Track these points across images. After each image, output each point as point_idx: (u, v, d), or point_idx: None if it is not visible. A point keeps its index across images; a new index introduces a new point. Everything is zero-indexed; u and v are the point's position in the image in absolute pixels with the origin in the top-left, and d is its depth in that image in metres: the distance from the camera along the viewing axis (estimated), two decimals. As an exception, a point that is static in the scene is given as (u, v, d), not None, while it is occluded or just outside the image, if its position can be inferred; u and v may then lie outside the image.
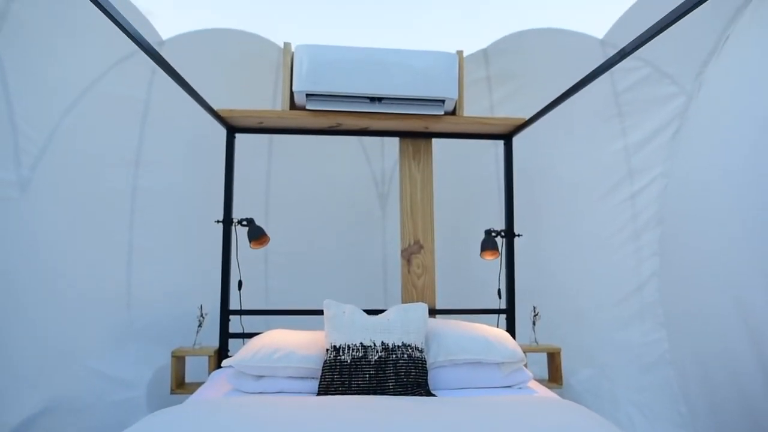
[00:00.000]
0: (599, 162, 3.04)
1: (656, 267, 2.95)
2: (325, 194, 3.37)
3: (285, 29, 3.06)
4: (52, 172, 2.50)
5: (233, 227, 2.64)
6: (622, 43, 2.68)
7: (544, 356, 2.80)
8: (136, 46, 1.59)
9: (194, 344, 2.61)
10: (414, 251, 2.68)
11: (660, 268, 2.93)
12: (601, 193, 3.06)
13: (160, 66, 1.73)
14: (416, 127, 2.62)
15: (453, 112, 2.56)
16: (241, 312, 2.63)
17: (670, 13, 1.37)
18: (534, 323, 2.78)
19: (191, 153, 2.98)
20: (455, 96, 2.40)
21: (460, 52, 2.53)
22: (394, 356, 1.95)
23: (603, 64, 1.73)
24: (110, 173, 2.77)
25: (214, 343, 2.60)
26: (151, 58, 1.66)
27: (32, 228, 2.47)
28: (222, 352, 2.55)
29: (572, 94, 1.99)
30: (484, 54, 3.04)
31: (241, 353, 2.01)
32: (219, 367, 2.45)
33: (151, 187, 2.88)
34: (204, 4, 2.99)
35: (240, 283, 2.65)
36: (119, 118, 2.77)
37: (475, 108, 3.06)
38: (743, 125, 2.28)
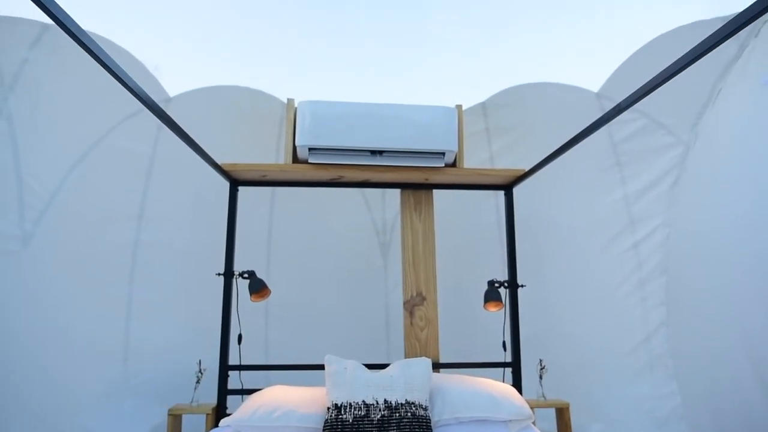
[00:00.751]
0: (600, 211, 3.05)
1: (664, 317, 2.90)
2: (327, 244, 3.36)
3: (289, 85, 3.17)
4: (55, 227, 2.52)
5: (234, 280, 2.62)
6: (617, 95, 2.76)
7: (552, 410, 2.70)
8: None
9: (192, 401, 2.54)
10: (416, 303, 2.64)
11: (668, 318, 2.89)
12: (603, 242, 3.05)
13: (164, 123, 1.77)
14: (417, 178, 2.64)
15: (453, 164, 2.59)
16: (240, 367, 2.56)
17: (663, 71, 1.41)
18: (541, 377, 2.70)
19: (194, 206, 3.00)
20: (455, 148, 2.44)
21: (459, 107, 2.59)
22: (397, 415, 1.89)
23: (600, 118, 1.77)
24: (113, 227, 2.78)
25: (213, 399, 2.53)
26: (156, 115, 1.70)
27: (32, 282, 2.46)
28: (220, 410, 2.47)
29: (570, 147, 2.02)
30: (483, 107, 3.11)
31: (240, 412, 1.95)
32: (217, 425, 2.37)
33: (153, 241, 2.88)
34: (210, 58, 3.10)
35: (240, 337, 2.60)
36: (125, 173, 2.81)
37: (476, 158, 3.10)
38: (741, 174, 2.31)
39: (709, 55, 1.30)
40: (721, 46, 1.27)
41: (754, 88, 2.26)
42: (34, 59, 2.26)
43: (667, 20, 2.56)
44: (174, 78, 2.87)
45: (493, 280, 2.76)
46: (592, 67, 2.93)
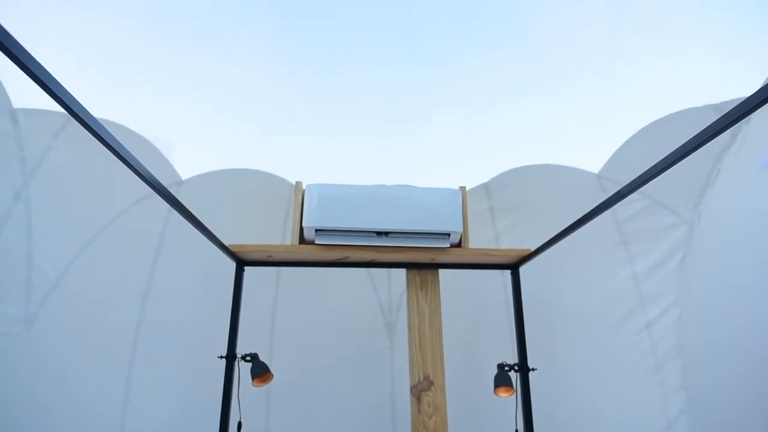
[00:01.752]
0: (609, 290, 3.01)
1: (684, 403, 2.76)
2: (332, 324, 3.31)
3: (298, 166, 3.28)
4: (59, 308, 2.51)
5: (236, 363, 2.56)
6: (617, 176, 2.84)
7: None
8: (156, 187, 1.69)
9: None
10: (424, 388, 2.55)
11: (688, 404, 2.75)
12: (615, 322, 2.98)
13: (173, 207, 1.82)
14: (423, 258, 2.65)
15: (459, 244, 2.60)
16: (239, 458, 2.43)
17: (664, 158, 1.45)
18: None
19: (200, 285, 3.00)
20: (460, 229, 2.46)
21: (462, 188, 2.65)
22: None
23: (603, 203, 1.80)
24: (117, 307, 2.77)
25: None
26: (165, 199, 1.75)
27: (31, 365, 2.41)
28: (215, 507, 2.31)
29: (576, 229, 2.03)
30: (486, 188, 3.18)
31: None
32: None
33: (157, 321, 2.85)
34: (222, 138, 3.25)
35: (239, 425, 2.49)
36: (133, 252, 2.84)
37: (481, 237, 3.12)
38: (747, 252, 2.30)
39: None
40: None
41: (751, 170, 2.31)
42: (56, 146, 2.37)
43: (661, 106, 2.68)
44: (187, 157, 3.00)
45: (502, 364, 2.67)
46: (590, 149, 3.03)
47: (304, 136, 3.45)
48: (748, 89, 2.32)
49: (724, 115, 1.26)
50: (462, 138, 3.41)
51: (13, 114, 2.16)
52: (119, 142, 1.41)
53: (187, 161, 2.99)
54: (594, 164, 2.99)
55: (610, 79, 3.02)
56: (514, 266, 2.79)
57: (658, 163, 1.46)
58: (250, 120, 3.43)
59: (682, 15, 2.79)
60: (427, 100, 3.40)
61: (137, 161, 1.55)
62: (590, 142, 3.14)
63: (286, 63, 3.33)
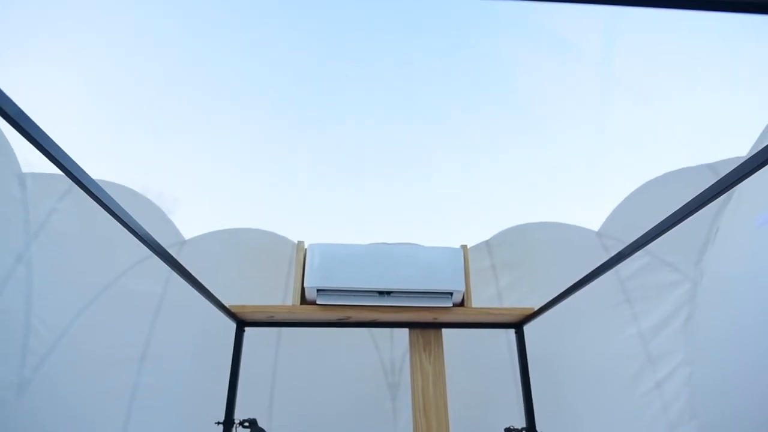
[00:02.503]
0: (616, 348, 2.95)
1: (703, 470, 2.64)
2: (333, 385, 3.21)
3: (299, 217, 3.31)
4: (53, 373, 2.45)
5: (234, 429, 2.46)
6: (618, 234, 2.85)
7: None
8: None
9: None
10: (429, 456, 2.44)
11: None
12: (624, 382, 2.90)
13: (173, 268, 1.81)
14: (425, 318, 2.61)
15: (461, 303, 2.58)
16: None
17: (663, 221, 1.47)
18: None
19: (199, 346, 2.94)
20: (462, 288, 2.45)
21: (464, 246, 2.66)
22: None
23: (604, 264, 1.80)
24: (114, 371, 2.70)
25: None
26: (164, 261, 1.75)
27: (20, 434, 2.33)
28: None
29: (578, 290, 2.03)
30: (487, 245, 3.19)
31: None
32: None
33: (154, 385, 2.77)
34: (225, 192, 3.29)
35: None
36: (132, 314, 2.81)
37: (484, 295, 3.09)
38: (752, 310, 2.27)
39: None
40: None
41: (750, 228, 2.33)
42: (61, 209, 2.40)
43: (657, 165, 2.74)
44: (192, 211, 3.03)
45: (510, 428, 2.57)
46: (589, 206, 3.07)
47: (305, 190, 3.50)
48: (738, 144, 2.39)
49: (724, 176, 1.28)
50: (461, 192, 3.46)
51: (22, 178, 2.21)
52: (119, 205, 1.43)
53: (191, 215, 3.03)
54: (591, 218, 3.03)
55: (603, 136, 3.10)
56: (518, 325, 2.75)
57: (659, 224, 1.47)
58: (253, 173, 3.49)
59: (672, 73, 2.90)
60: (426, 155, 3.48)
61: (137, 223, 1.57)
62: (586, 197, 3.18)
63: (288, 118, 3.43)
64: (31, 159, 2.22)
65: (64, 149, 1.15)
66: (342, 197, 3.51)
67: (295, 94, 3.37)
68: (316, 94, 3.40)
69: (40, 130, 1.05)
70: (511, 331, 2.89)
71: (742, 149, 2.35)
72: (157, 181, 2.96)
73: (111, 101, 2.92)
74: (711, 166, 2.37)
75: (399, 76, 3.33)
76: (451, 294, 2.46)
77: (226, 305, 2.39)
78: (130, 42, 2.77)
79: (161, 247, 1.73)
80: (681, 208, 1.41)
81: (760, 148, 2.17)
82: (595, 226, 2.98)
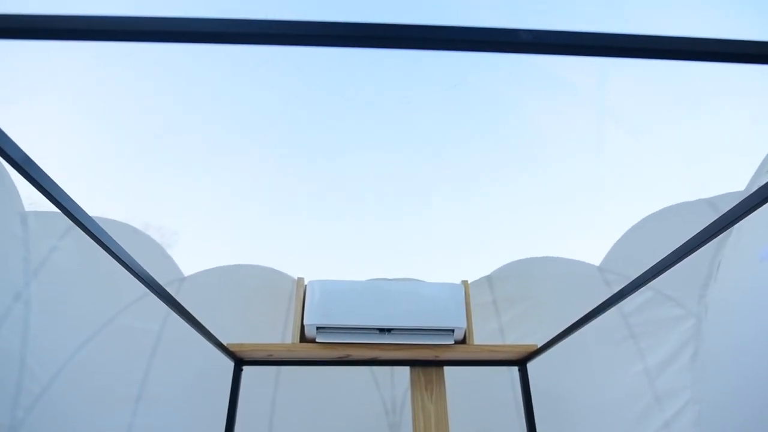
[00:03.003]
0: (622, 386, 2.90)
1: None
2: (332, 425, 3.13)
3: (300, 256, 3.30)
4: (46, 413, 2.39)
5: (230, 474, 2.39)
6: (619, 268, 2.85)
7: None
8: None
9: None
10: (432, 501, 2.36)
11: None
12: (631, 421, 2.83)
13: (170, 307, 1.80)
14: (427, 356, 2.57)
15: (463, 340, 2.54)
16: None
17: (665, 258, 1.47)
18: None
19: (196, 385, 2.89)
20: (464, 325, 2.42)
21: (465, 282, 2.64)
22: None
23: (607, 300, 1.79)
24: (108, 412, 2.64)
25: None
26: (162, 300, 1.74)
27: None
28: None
29: (581, 327, 2.01)
30: (488, 280, 3.17)
31: None
32: None
33: (149, 425, 2.71)
34: (225, 225, 3.29)
35: None
36: (129, 352, 2.77)
37: (485, 330, 3.06)
38: (759, 345, 2.24)
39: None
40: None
41: (752, 262, 2.32)
42: (62, 247, 2.40)
43: (655, 198, 2.76)
44: (192, 244, 3.03)
45: (515, 471, 2.50)
46: (588, 239, 3.07)
47: (305, 223, 3.51)
48: (734, 175, 2.41)
49: (726, 213, 1.29)
50: (461, 225, 3.47)
51: (24, 217, 2.22)
52: (118, 244, 1.43)
53: (191, 248, 3.03)
54: (590, 250, 3.02)
55: (600, 170, 3.13)
56: (521, 363, 2.70)
57: (661, 261, 1.47)
58: (253, 207, 3.51)
59: (667, 107, 2.94)
60: (425, 188, 3.50)
61: (135, 262, 1.57)
62: (585, 230, 3.19)
63: (288, 152, 3.46)
64: (35, 197, 2.24)
65: (64, 189, 1.17)
66: (342, 231, 3.52)
67: (295, 129, 3.42)
68: (317, 128, 3.45)
69: (42, 171, 1.07)
70: (515, 370, 2.84)
71: (739, 182, 2.37)
72: (158, 215, 2.98)
73: (116, 135, 2.96)
74: (709, 201, 2.38)
75: (399, 110, 3.38)
76: (453, 331, 2.44)
77: (224, 344, 2.36)
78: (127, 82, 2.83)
79: (159, 285, 1.72)
80: (683, 245, 1.41)
81: (757, 182, 2.20)
82: (595, 259, 2.98)
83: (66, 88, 2.66)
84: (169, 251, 2.89)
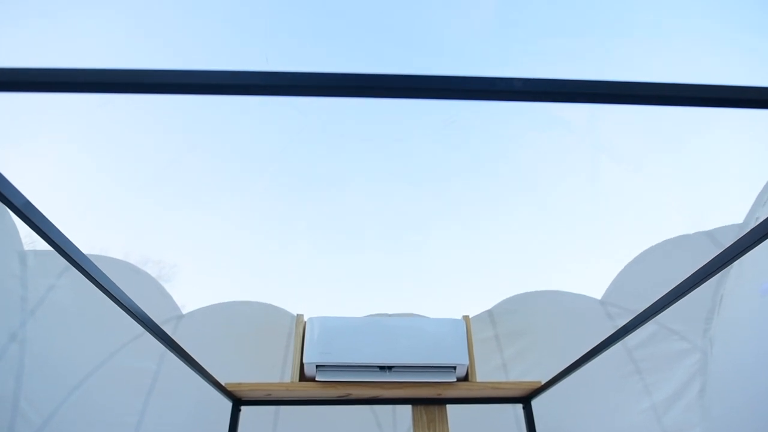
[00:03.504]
0: (628, 422, 2.82)
1: None
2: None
3: (299, 289, 3.27)
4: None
5: None
6: (621, 302, 2.82)
7: None
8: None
9: None
10: None
11: None
12: (640, 461, 2.75)
13: (167, 347, 1.78)
14: (429, 394, 2.52)
15: (466, 377, 2.50)
16: None
17: (668, 294, 1.46)
18: None
19: (193, 426, 2.82)
20: (466, 362, 2.38)
21: (466, 317, 2.62)
22: None
23: (610, 336, 1.78)
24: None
25: None
26: (158, 340, 1.72)
27: None
28: None
29: (585, 363, 1.98)
30: (490, 315, 3.14)
31: None
32: None
33: (143, 470, 2.63)
34: (223, 261, 3.28)
35: None
36: (125, 392, 2.71)
37: (488, 366, 3.01)
38: (766, 380, 2.20)
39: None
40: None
41: (754, 295, 2.30)
42: (60, 285, 2.39)
43: (654, 229, 2.76)
44: (191, 277, 3.01)
45: None
46: (588, 271, 3.06)
47: (304, 254, 3.50)
48: (730, 203, 2.41)
49: (728, 248, 1.29)
50: (461, 259, 3.46)
51: (23, 256, 2.22)
52: (115, 285, 1.43)
53: (190, 281, 3.01)
54: (590, 281, 2.99)
55: (597, 203, 3.14)
56: (525, 399, 2.65)
57: (665, 296, 1.46)
58: (252, 240, 3.50)
59: (660, 138, 2.97)
60: (425, 222, 3.51)
61: (132, 302, 1.56)
62: (584, 262, 3.17)
63: (288, 186, 3.48)
64: (34, 236, 2.24)
65: (62, 229, 1.18)
66: (341, 264, 3.50)
67: (294, 164, 3.45)
68: (315, 162, 3.47)
69: (41, 214, 1.08)
70: (519, 407, 2.78)
71: (737, 213, 2.38)
72: (158, 248, 2.97)
73: (118, 170, 2.98)
74: (709, 234, 2.38)
75: (398, 144, 3.42)
76: (455, 368, 2.40)
77: (222, 383, 2.32)
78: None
79: (155, 324, 1.71)
80: (686, 279, 1.41)
81: (755, 214, 2.20)
82: (596, 291, 2.95)
83: (68, 126, 2.70)
84: (168, 284, 2.88)
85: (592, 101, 0.63)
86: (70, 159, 2.77)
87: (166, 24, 2.78)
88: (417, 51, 3.00)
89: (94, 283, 1.36)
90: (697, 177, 2.88)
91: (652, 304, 1.53)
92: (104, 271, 1.37)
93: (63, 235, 1.19)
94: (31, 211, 1.03)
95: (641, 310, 1.65)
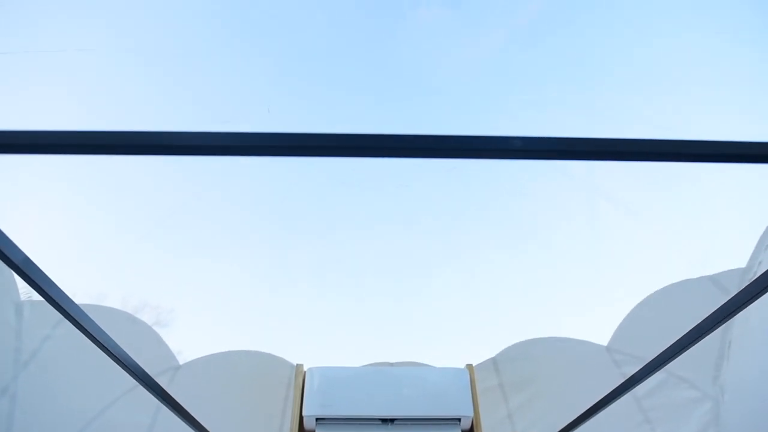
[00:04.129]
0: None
1: None
2: None
3: (298, 335, 3.21)
4: None
5: None
6: (627, 348, 2.76)
7: None
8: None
9: None
10: None
11: None
12: None
13: (161, 401, 1.73)
14: (433, 448, 2.43)
15: (471, 430, 2.41)
16: None
17: (675, 343, 1.43)
18: None
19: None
20: (471, 414, 2.31)
21: (470, 366, 2.55)
22: None
23: (619, 387, 1.74)
24: None
25: None
26: (152, 393, 1.67)
27: None
28: None
29: (594, 414, 1.92)
30: (494, 363, 3.07)
31: None
32: None
33: None
34: (221, 306, 3.23)
35: None
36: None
37: (493, 417, 2.91)
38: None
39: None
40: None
41: (763, 340, 2.26)
42: (54, 336, 2.34)
43: (655, 273, 2.73)
44: (189, 321, 2.96)
45: None
46: (591, 315, 3.01)
47: (304, 300, 3.45)
48: (731, 242, 2.40)
49: (735, 296, 1.27)
50: (462, 305, 3.41)
51: (19, 306, 2.19)
52: (109, 337, 1.41)
53: (188, 325, 2.96)
54: (593, 325, 2.94)
55: (597, 248, 3.13)
56: (533, 454, 2.55)
57: (673, 345, 1.44)
58: (251, 286, 3.46)
59: (657, 185, 2.99)
60: (426, 268, 3.48)
61: (126, 355, 1.53)
62: (586, 307, 3.13)
63: (287, 230, 3.47)
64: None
65: (56, 283, 1.18)
66: (341, 309, 3.46)
67: (294, 209, 3.46)
68: (316, 208, 3.48)
69: (38, 269, 1.08)
70: (526, 460, 2.68)
71: (740, 256, 2.36)
72: (156, 294, 2.94)
73: (118, 219, 2.99)
74: (713, 279, 2.36)
75: (400, 192, 3.44)
76: (459, 420, 2.32)
77: (219, 439, 2.24)
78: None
79: (150, 377, 1.66)
80: (694, 328, 1.39)
81: (758, 258, 2.19)
82: (600, 336, 2.90)
83: (66, 175, 2.73)
84: (165, 330, 2.83)
85: (589, 158, 0.63)
86: (67, 208, 2.79)
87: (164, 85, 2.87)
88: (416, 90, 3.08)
89: (87, 336, 1.34)
90: (698, 221, 2.89)
91: (660, 354, 1.49)
92: (100, 321, 1.35)
93: (58, 288, 1.18)
94: (30, 267, 1.03)
95: (649, 358, 1.61)
